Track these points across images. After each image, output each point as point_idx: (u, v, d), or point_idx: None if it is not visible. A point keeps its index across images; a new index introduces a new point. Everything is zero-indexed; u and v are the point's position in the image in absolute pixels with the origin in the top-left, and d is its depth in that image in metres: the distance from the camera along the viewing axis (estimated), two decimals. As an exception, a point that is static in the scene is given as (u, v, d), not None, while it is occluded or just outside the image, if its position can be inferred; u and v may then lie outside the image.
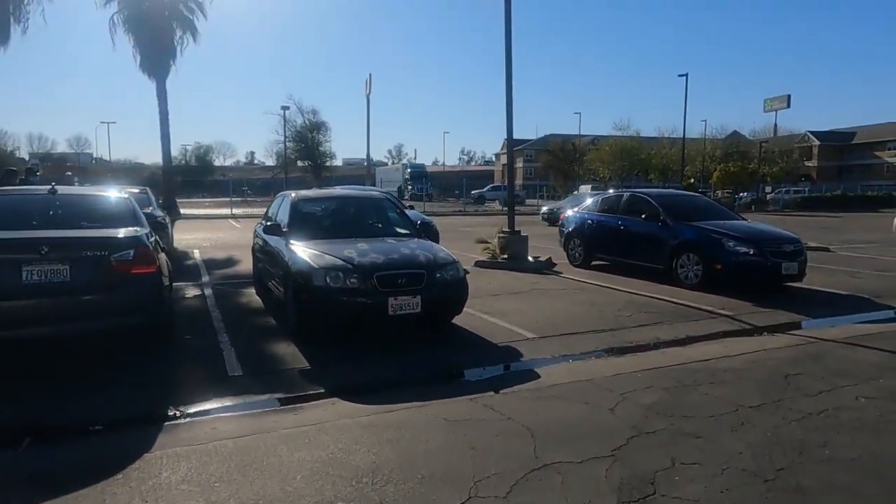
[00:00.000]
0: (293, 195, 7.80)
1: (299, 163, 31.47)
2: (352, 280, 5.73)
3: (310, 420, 4.05)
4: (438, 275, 6.10)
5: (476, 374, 5.28)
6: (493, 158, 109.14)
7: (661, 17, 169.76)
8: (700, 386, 4.72)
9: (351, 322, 5.95)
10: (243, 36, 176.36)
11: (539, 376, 5.05)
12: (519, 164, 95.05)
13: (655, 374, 5.03)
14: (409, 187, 60.92)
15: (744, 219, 10.42)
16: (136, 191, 11.47)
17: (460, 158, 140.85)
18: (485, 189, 61.02)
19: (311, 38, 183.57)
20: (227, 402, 4.44)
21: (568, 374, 5.11)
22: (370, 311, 5.75)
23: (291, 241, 6.61)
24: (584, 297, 8.71)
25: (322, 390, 4.67)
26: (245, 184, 40.34)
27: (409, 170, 66.82)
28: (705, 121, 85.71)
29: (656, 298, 8.56)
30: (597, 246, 11.50)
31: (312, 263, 5.92)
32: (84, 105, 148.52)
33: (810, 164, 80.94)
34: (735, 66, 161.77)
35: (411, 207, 14.09)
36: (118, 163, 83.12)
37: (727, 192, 46.82)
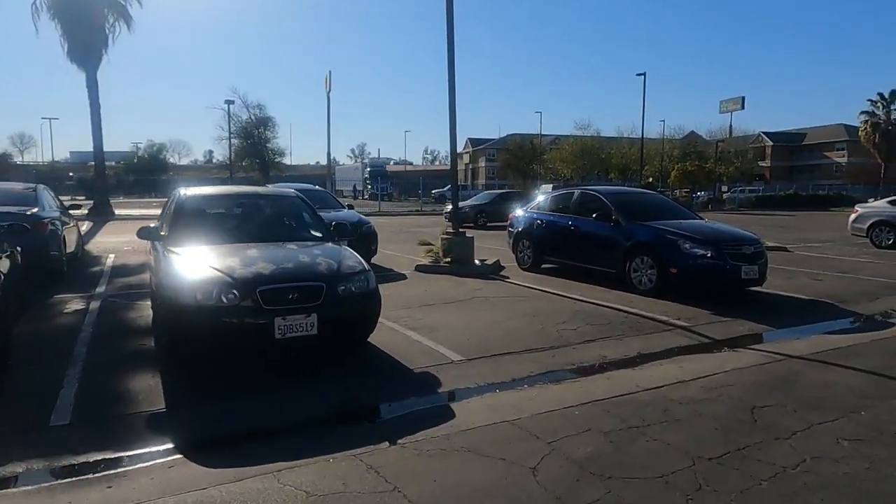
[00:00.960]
0: (182, 192, 6.60)
1: (245, 161, 29.83)
2: (229, 296, 4.62)
3: (118, 499, 2.94)
4: (342, 287, 5.04)
5: (375, 415, 4.26)
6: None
7: (620, 18, 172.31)
8: (649, 427, 3.79)
9: (230, 349, 4.83)
10: (194, 28, 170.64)
11: (454, 416, 4.05)
12: (481, 163, 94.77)
13: (596, 410, 4.09)
14: (369, 186, 59.54)
15: (701, 218, 9.67)
16: (20, 188, 10.08)
17: (424, 158, 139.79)
18: (446, 188, 60.10)
19: (268, 34, 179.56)
20: (23, 466, 3.29)
21: (490, 412, 4.11)
22: (251, 335, 4.65)
23: (169, 248, 5.45)
24: (528, 306, 7.78)
25: (166, 446, 3.56)
26: (197, 183, 38.27)
27: (368, 169, 65.39)
28: (663, 121, 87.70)
29: (607, 307, 7.69)
30: (547, 248, 10.61)
31: (182, 275, 4.79)
32: (28, 101, 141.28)
33: (764, 164, 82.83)
34: (692, 68, 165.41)
35: (350, 207, 12.99)
36: (61, 162, 78.98)
37: (685, 192, 47.05)
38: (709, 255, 8.00)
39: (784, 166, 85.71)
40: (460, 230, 11.29)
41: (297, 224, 6.80)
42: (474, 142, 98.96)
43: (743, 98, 53.31)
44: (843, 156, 79.45)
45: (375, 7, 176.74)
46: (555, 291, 8.82)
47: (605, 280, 9.27)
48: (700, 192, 48.75)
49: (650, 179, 49.35)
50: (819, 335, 6.46)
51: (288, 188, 9.64)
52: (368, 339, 5.67)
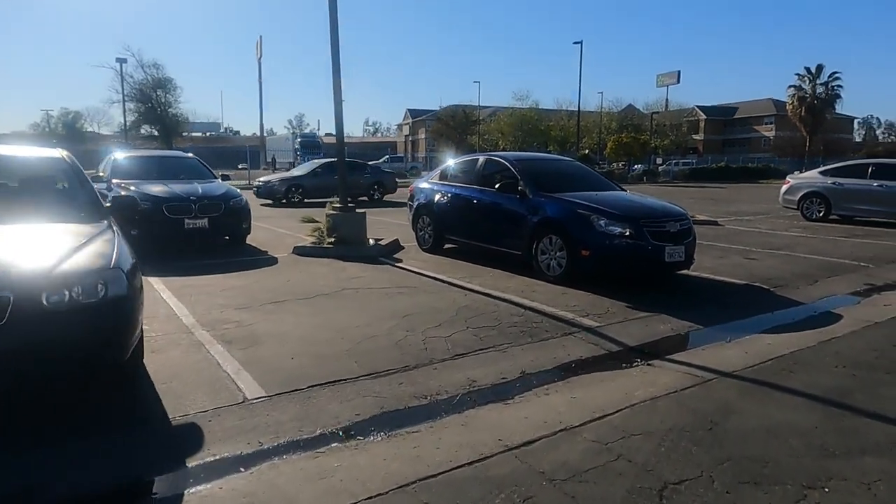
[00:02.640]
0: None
1: (145, 129, 26.54)
2: None
3: None
4: (52, 298, 3.19)
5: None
6: (396, 129, 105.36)
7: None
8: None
9: None
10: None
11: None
12: (421, 135, 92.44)
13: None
14: (300, 158, 56.50)
15: (623, 189, 8.26)
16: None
17: (365, 130, 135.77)
18: (381, 160, 57.85)
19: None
20: None
21: (240, 512, 2.45)
22: None
23: None
24: (407, 302, 6.15)
25: None
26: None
27: (299, 139, 62.26)
28: (601, 93, 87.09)
29: (503, 300, 6.17)
30: (449, 225, 8.99)
31: None
32: None
33: (697, 138, 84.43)
34: (630, 40, 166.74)
35: (226, 177, 10.95)
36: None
37: (622, 164, 46.68)
38: (627, 233, 6.57)
39: (717, 139, 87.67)
40: (350, 204, 9.51)
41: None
42: (414, 112, 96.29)
43: (678, 72, 53.93)
44: (771, 129, 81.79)
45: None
46: (449, 280, 7.23)
47: (512, 264, 7.77)
48: (636, 164, 48.54)
49: (587, 151, 48.69)
50: (755, 335, 5.13)
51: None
52: (147, 362, 3.90)
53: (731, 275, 7.71)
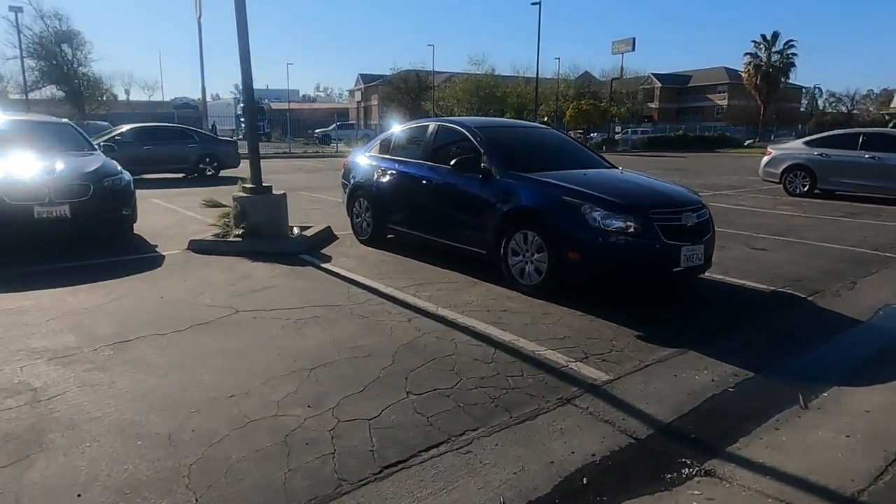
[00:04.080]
0: None
1: (44, 86, 22.84)
2: None
3: None
4: None
5: None
6: (348, 95, 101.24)
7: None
8: None
9: None
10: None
11: None
12: (374, 101, 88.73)
13: None
14: (243, 124, 52.92)
15: (614, 166, 6.44)
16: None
17: (317, 95, 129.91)
18: (330, 128, 54.74)
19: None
20: None
21: None
22: None
23: None
24: (320, 339, 4.20)
25: None
26: None
27: (241, 105, 58.45)
28: (558, 59, 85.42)
29: (462, 329, 4.32)
30: (392, 212, 7.02)
31: None
32: None
33: (653, 106, 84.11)
34: (586, 6, 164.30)
35: (111, 148, 8.57)
36: None
37: (580, 132, 45.24)
38: (630, 228, 4.78)
39: (671, 108, 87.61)
40: (264, 185, 7.38)
41: None
42: (366, 78, 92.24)
43: (633, 39, 53.49)
44: (724, 98, 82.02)
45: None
46: (389, 291, 5.31)
47: (477, 264, 5.91)
48: (594, 133, 47.25)
49: (545, 119, 46.96)
50: (834, 389, 3.46)
51: None
52: None
53: (747, 275, 6.07)
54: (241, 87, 7.14)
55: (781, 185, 14.11)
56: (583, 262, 4.86)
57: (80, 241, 7.08)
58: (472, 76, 56.48)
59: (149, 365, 3.63)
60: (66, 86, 21.88)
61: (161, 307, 4.81)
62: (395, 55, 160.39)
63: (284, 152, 29.67)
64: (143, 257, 6.65)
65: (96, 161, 7.48)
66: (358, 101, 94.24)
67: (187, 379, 3.43)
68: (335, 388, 3.32)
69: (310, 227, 7.95)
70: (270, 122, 56.15)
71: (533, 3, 42.55)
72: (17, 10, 21.64)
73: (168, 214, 9.79)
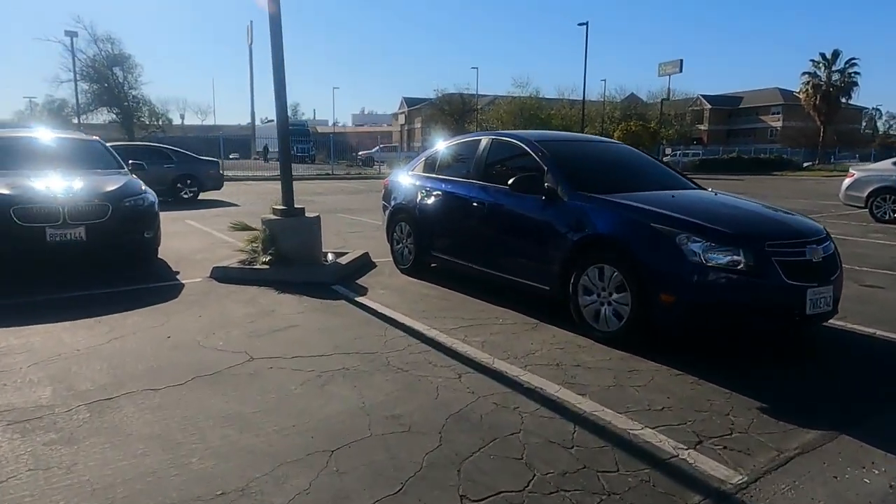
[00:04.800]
0: None
1: (102, 115, 23.21)
2: None
3: None
4: None
5: None
6: (392, 118, 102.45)
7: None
8: None
9: None
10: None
11: None
12: (417, 124, 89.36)
13: None
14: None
15: (701, 187, 5.41)
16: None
17: (361, 119, 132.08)
18: (373, 150, 54.98)
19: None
20: None
21: None
22: None
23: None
24: (348, 402, 3.33)
25: None
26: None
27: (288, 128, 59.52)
28: (604, 80, 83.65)
29: (527, 391, 3.37)
30: (437, 238, 6.16)
31: None
32: None
33: (702, 128, 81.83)
34: (632, 28, 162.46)
35: (140, 167, 8.03)
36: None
37: (628, 154, 43.68)
38: (741, 264, 3.77)
39: (721, 130, 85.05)
40: (297, 206, 6.65)
41: None
42: (410, 101, 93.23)
43: (681, 61, 52.85)
44: (779, 120, 79.11)
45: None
46: (434, 335, 4.42)
47: (537, 302, 4.98)
48: (644, 154, 45.62)
49: (592, 140, 45.73)
50: None
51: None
52: None
53: (872, 320, 4.91)
54: (290, 114, 6.60)
55: (867, 210, 12.68)
56: (677, 305, 3.86)
57: (97, 265, 6.48)
58: (516, 98, 55.90)
59: (128, 436, 2.82)
60: (117, 108, 22.16)
61: (165, 351, 4.04)
62: (438, 78, 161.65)
63: (327, 174, 29.38)
64: (160, 286, 5.96)
65: (119, 180, 6.91)
66: (401, 124, 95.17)
67: (171, 461, 2.60)
68: (362, 485, 2.42)
69: (346, 253, 7.17)
70: (315, 144, 56.93)
71: (580, 24, 41.86)
72: (72, 34, 22.15)
73: (200, 237, 9.22)
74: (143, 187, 7.00)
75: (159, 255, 7.23)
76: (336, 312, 5.07)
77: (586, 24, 41.48)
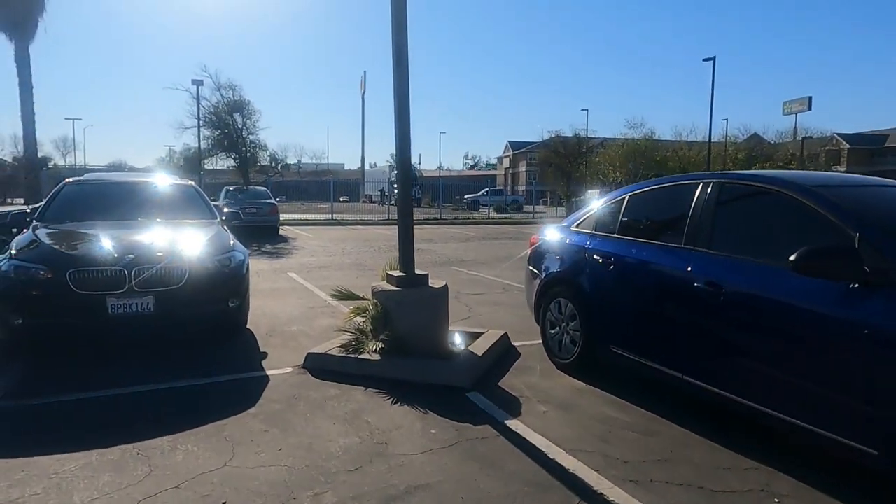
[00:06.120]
0: None
1: (217, 153, 23.62)
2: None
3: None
4: None
5: None
6: (496, 162, 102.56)
7: (676, 9, 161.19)
8: None
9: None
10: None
11: None
12: (522, 167, 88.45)
13: None
14: (395, 191, 54.65)
15: None
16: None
17: (464, 164, 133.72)
18: (479, 193, 54.16)
19: (298, 33, 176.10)
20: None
21: None
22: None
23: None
24: None
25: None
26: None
27: (394, 172, 60.63)
28: (727, 120, 76.65)
29: None
30: (622, 326, 4.18)
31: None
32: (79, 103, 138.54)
33: (840, 169, 73.91)
34: (752, 64, 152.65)
35: (236, 216, 6.83)
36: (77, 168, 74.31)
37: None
38: None
39: (863, 171, 76.31)
40: (416, 273, 4.95)
41: None
42: (514, 145, 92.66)
43: (810, 98, 48.54)
44: (934, 160, 69.75)
45: (411, 8, 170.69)
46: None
47: (819, 458, 2.84)
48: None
49: (721, 184, 41.73)
50: None
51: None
52: None
53: None
54: (396, 157, 5.29)
55: None
56: None
57: (166, 343, 5.12)
58: (629, 140, 53.02)
59: None
60: (235, 153, 22.53)
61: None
62: (545, 121, 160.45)
63: (435, 218, 28.31)
64: (236, 380, 4.42)
65: (205, 232, 5.62)
66: (506, 168, 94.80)
67: None
68: None
69: (477, 333, 5.35)
70: (422, 187, 57.43)
71: (705, 60, 38.84)
72: (198, 83, 22.96)
73: (300, 297, 7.83)
74: (232, 242, 5.66)
75: (248, 321, 5.82)
76: (483, 456, 3.20)
77: (713, 59, 38.39)
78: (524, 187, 78.06)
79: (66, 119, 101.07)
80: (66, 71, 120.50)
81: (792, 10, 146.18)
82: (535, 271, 5.23)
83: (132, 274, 4.65)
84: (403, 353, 4.58)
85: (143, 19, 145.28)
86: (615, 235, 4.41)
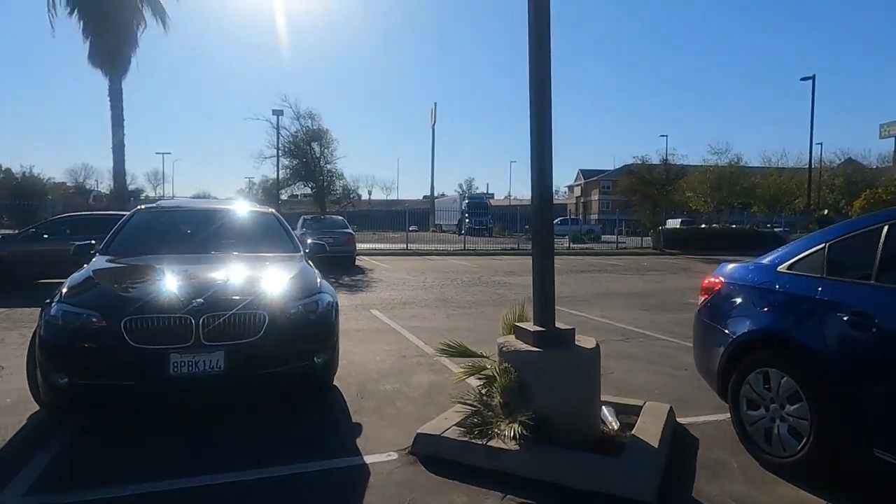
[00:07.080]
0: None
1: (298, 189, 23.48)
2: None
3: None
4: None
5: None
6: (566, 191, 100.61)
7: (764, 24, 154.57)
8: None
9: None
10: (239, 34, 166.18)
11: None
12: (594, 196, 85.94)
13: None
14: (467, 220, 54.21)
15: None
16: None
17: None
18: (557, 221, 52.63)
19: (372, 65, 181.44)
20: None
21: None
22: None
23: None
24: None
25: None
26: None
27: (466, 201, 60.35)
28: (821, 144, 70.46)
29: None
30: (888, 416, 2.75)
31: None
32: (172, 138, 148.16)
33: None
34: (842, 85, 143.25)
35: (321, 247, 5.86)
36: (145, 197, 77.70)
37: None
38: None
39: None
40: (557, 327, 3.73)
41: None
42: (586, 173, 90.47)
43: None
44: None
45: (478, 39, 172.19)
46: None
47: None
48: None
49: (825, 212, 38.16)
50: None
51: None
52: None
53: None
54: (465, 187, 4.31)
55: None
56: None
57: (238, 407, 4.10)
58: (714, 167, 49.96)
59: None
60: (312, 182, 22.30)
61: None
62: (616, 149, 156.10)
63: (513, 248, 26.95)
64: (322, 471, 3.28)
65: (287, 270, 4.62)
66: (577, 197, 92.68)
67: None
68: None
69: (631, 406, 4.01)
70: (493, 217, 56.72)
71: (803, 79, 36.05)
72: (278, 113, 23.03)
73: (388, 342, 6.75)
74: (319, 281, 4.62)
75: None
76: None
77: (812, 77, 35.61)
78: (596, 216, 75.53)
79: (157, 153, 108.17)
80: (157, 106, 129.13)
81: (872, 22, 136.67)
82: (717, 326, 3.85)
83: (200, 323, 3.67)
84: (548, 439, 3.32)
85: (226, 53, 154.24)
86: (871, 283, 3.01)
